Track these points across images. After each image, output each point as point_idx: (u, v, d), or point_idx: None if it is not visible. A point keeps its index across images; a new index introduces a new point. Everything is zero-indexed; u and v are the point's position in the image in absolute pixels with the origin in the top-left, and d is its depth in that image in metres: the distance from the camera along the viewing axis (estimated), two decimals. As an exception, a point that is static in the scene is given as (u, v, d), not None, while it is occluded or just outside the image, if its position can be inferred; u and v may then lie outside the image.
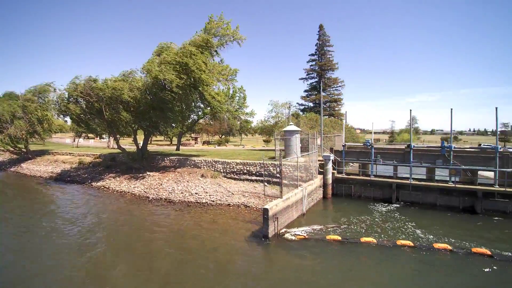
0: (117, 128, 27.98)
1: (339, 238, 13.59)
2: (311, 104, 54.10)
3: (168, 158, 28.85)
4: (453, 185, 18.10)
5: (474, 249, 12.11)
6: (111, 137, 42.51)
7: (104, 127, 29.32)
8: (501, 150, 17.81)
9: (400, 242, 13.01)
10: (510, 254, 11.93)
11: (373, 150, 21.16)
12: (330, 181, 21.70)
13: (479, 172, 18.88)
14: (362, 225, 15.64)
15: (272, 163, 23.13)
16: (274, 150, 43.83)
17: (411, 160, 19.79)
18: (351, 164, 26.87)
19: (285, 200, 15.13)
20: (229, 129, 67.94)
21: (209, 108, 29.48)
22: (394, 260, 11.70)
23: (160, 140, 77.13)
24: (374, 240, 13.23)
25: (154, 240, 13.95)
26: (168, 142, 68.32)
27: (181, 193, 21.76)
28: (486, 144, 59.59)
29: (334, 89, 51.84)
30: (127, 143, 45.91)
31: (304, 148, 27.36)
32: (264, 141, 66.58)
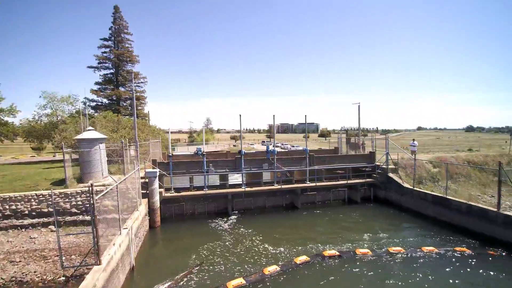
0: None
1: (202, 295, 9.61)
2: (106, 101, 43.73)
3: None
4: (279, 186, 19.27)
5: (325, 253, 12.53)
6: None
7: None
8: (309, 151, 21.03)
9: (267, 270, 11.11)
10: (351, 247, 13.36)
11: (205, 160, 18.54)
12: (158, 204, 16.71)
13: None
14: (216, 259, 12.45)
15: (62, 193, 14.56)
16: (52, 161, 30.84)
17: (243, 166, 19.16)
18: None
19: (107, 266, 8.84)
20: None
21: None
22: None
23: None
24: (243, 281, 10.46)
25: None
26: None
27: None
28: (267, 141, 76.97)
29: (135, 85, 44.73)
30: None
31: (111, 162, 20.37)
32: (33, 149, 46.66)
